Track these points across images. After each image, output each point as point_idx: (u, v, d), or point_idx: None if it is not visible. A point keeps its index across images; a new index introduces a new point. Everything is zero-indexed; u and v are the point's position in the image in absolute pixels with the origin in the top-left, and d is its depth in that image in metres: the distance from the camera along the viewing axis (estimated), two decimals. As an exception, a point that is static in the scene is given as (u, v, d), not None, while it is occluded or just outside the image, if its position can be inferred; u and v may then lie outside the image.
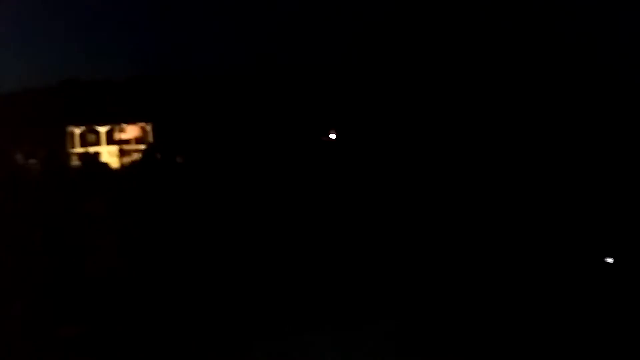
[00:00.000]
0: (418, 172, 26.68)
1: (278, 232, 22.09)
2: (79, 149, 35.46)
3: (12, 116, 32.94)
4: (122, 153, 36.07)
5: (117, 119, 37.41)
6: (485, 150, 28.13)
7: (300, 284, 18.60)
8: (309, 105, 35.18)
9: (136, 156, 35.64)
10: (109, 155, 35.69)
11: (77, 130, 36.10)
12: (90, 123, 36.62)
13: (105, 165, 33.76)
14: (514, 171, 25.96)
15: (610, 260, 19.69)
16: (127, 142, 38.02)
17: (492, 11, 33.59)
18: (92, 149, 35.37)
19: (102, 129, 36.52)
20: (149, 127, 37.85)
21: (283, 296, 17.98)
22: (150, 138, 37.56)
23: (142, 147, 37.26)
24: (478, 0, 34.94)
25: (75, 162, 34.31)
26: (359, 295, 17.84)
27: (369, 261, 20.20)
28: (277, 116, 35.41)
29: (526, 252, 20.28)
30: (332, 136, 34.01)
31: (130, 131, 38.47)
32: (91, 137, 36.98)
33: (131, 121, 37.96)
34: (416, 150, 28.82)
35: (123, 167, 34.64)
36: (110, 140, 37.12)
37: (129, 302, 17.91)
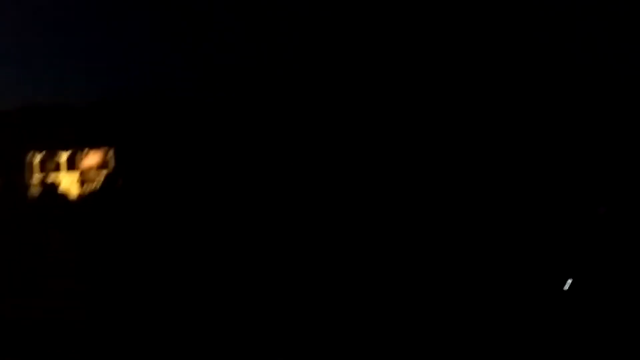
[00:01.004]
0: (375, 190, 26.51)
1: (245, 262, 21.76)
2: (38, 176, 34.80)
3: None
4: (84, 180, 35.57)
5: (78, 145, 36.96)
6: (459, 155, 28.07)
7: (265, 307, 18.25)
8: (277, 128, 35.02)
9: (98, 183, 35.16)
10: (70, 182, 35.10)
11: (37, 157, 35.46)
12: (50, 149, 36.03)
13: (66, 192, 33.18)
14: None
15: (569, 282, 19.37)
16: (88, 168, 37.56)
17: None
18: (52, 176, 34.75)
19: (63, 155, 35.90)
20: (111, 153, 37.48)
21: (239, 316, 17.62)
22: (113, 164, 37.17)
23: (104, 173, 36.82)
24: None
25: (34, 189, 33.66)
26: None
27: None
28: (242, 141, 35.19)
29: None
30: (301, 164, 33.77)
31: (92, 157, 37.99)
32: (51, 164, 36.35)
33: (93, 147, 37.52)
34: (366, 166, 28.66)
35: (84, 194, 34.13)
36: (72, 167, 36.57)
37: (89, 334, 17.45)
